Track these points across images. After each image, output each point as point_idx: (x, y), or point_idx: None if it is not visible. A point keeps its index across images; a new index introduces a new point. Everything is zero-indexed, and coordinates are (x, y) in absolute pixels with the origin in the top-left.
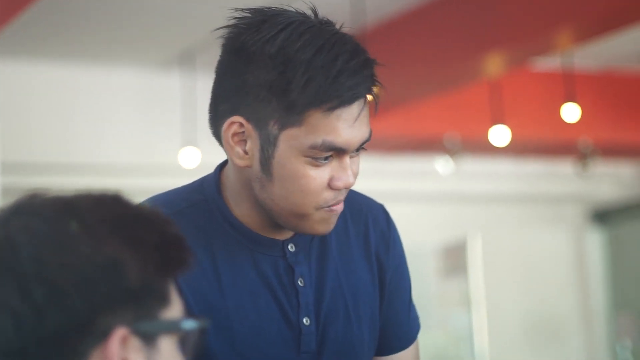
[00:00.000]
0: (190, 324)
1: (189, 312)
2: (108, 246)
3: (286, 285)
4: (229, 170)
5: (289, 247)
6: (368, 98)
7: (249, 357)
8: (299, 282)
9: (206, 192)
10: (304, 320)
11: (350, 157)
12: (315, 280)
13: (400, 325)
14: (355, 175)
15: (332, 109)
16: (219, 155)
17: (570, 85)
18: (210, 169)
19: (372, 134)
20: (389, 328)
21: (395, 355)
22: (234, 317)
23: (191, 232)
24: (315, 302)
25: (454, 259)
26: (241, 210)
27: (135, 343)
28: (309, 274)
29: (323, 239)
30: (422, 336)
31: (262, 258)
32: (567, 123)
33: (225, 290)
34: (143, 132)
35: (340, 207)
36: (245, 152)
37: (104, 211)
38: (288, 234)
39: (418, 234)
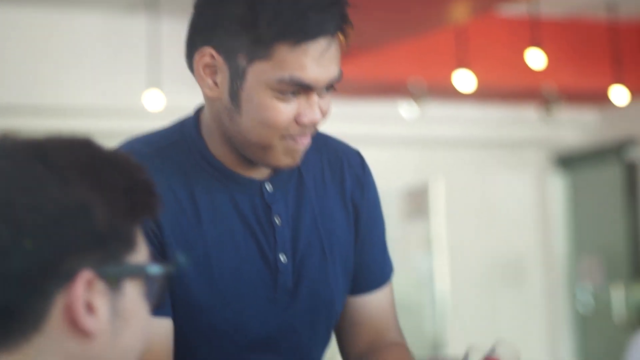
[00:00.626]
0: (155, 269)
1: (169, 249)
2: (76, 189)
3: (263, 223)
4: (206, 110)
5: (267, 186)
6: (338, 38)
7: (227, 293)
8: (276, 221)
9: (185, 132)
10: (281, 258)
11: (320, 96)
12: (292, 220)
13: (374, 265)
14: (325, 113)
15: (298, 42)
16: (183, 98)
17: (535, 32)
18: (174, 112)
19: (342, 74)
20: (364, 268)
21: (369, 296)
22: (212, 254)
23: (171, 170)
24: (292, 240)
25: (417, 202)
26: (218, 150)
27: (100, 287)
28: (286, 213)
29: (300, 181)
30: None
31: (240, 197)
32: (532, 69)
33: (205, 227)
34: (108, 74)
35: (306, 141)
36: (216, 84)
37: (74, 155)
38: (265, 174)
39: (381, 178)
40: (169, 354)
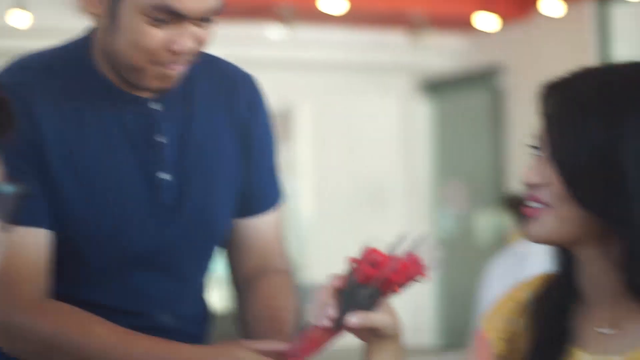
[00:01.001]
0: (7, 188)
1: (53, 163)
2: None
3: (149, 141)
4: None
5: (153, 105)
6: None
7: (107, 207)
8: (161, 139)
9: (76, 50)
10: (164, 176)
11: (198, 25)
12: (178, 139)
13: (263, 188)
14: (202, 42)
15: None
16: (50, 16)
17: None
18: (40, 31)
19: (223, 6)
20: (252, 191)
21: (257, 219)
22: (95, 169)
23: (59, 86)
24: (177, 159)
25: (283, 126)
26: (106, 68)
27: None
28: (173, 132)
29: (189, 101)
30: None
31: (127, 114)
32: None
33: (89, 141)
34: None
35: (178, 69)
36: (98, 0)
37: None
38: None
39: None
40: (44, 264)
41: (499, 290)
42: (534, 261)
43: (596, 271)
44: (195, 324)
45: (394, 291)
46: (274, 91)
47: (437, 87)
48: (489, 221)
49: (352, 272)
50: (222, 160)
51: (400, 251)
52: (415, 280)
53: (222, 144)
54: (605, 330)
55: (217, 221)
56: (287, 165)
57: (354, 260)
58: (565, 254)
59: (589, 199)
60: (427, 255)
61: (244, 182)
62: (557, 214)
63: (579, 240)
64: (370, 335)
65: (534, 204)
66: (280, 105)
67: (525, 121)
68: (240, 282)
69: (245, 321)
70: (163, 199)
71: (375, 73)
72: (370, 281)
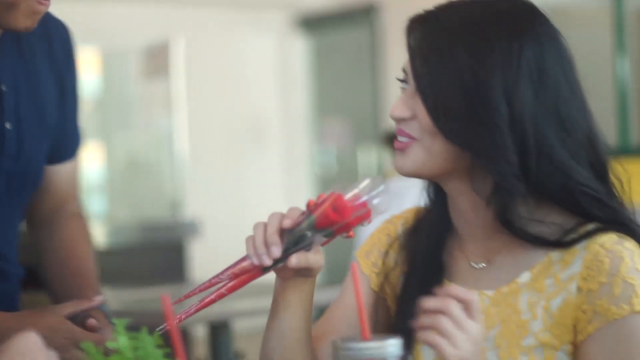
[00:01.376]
0: None
1: None
2: None
3: None
4: None
5: None
6: None
7: None
8: (3, 87)
9: None
10: (7, 125)
11: None
12: (15, 88)
13: (72, 136)
14: None
15: None
16: None
17: None
18: None
19: None
20: (62, 139)
21: (61, 165)
22: None
23: None
24: (15, 107)
25: (158, 61)
26: None
27: None
28: (9, 80)
29: (19, 48)
30: (122, 138)
31: None
32: None
33: None
34: None
35: (48, 4)
36: None
37: None
38: None
39: (120, 35)
40: None
41: (376, 225)
42: (410, 196)
43: (466, 205)
44: (18, 265)
45: (348, 235)
46: (149, 26)
47: (314, 23)
48: (370, 158)
49: (310, 215)
50: (48, 107)
51: (357, 196)
52: (362, 224)
53: (46, 92)
54: (477, 265)
55: (40, 168)
56: (163, 102)
57: (315, 204)
58: (437, 188)
59: (455, 132)
60: (376, 198)
61: (58, 130)
62: (425, 147)
63: (447, 173)
64: (295, 274)
65: (402, 138)
66: (154, 40)
67: (402, 58)
68: (37, 223)
69: (50, 274)
70: (8, 149)
71: (251, 8)
72: (330, 226)
